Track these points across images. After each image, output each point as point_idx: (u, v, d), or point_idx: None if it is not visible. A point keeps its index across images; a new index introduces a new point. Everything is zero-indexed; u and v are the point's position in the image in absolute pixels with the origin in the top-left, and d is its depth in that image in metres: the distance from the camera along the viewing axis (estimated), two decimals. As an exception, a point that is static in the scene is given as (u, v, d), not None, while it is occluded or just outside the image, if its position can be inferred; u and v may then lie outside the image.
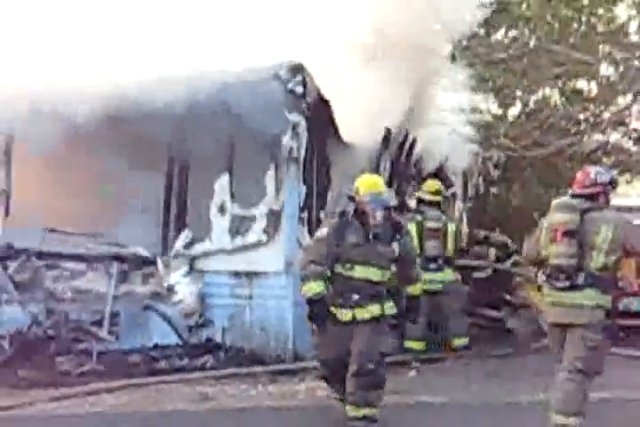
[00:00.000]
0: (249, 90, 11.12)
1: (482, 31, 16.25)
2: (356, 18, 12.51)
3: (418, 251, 12.00)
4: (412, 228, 12.31)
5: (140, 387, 10.47)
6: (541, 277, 8.49)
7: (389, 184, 13.03)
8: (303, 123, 11.63)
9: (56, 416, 9.29)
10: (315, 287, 7.53)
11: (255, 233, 11.83)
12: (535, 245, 8.46)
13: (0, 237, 12.36)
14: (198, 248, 12.06)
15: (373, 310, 7.62)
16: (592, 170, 8.49)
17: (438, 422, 7.93)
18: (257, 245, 11.81)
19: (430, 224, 12.74)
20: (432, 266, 12.54)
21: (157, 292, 11.89)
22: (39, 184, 12.45)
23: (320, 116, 11.85)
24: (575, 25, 16.30)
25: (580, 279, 7.98)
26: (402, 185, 13.30)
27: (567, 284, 8.03)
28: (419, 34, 13.05)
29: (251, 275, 11.78)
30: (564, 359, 8.07)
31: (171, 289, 11.84)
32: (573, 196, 8.33)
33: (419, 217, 12.88)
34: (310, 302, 7.60)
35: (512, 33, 16.75)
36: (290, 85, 11.41)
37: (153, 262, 12.04)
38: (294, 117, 11.56)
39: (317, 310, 7.61)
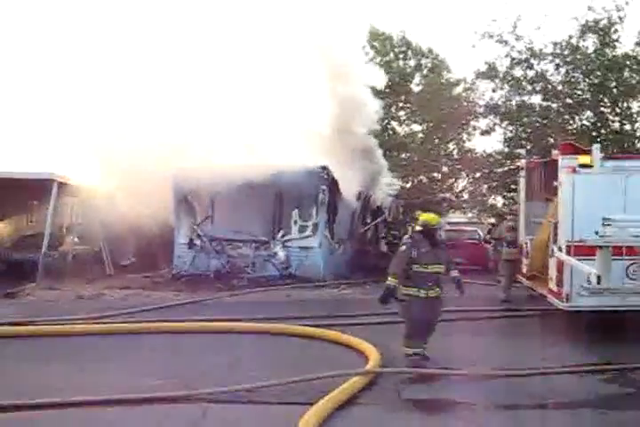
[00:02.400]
0: (305, 177, 10.47)
1: (395, 153, 15.85)
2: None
3: None
4: None
5: (262, 292, 9.86)
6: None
7: (361, 216, 12.40)
8: (327, 189, 11.02)
9: (229, 303, 9.07)
10: (392, 280, 5.43)
11: (308, 231, 11.06)
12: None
13: (210, 233, 11.46)
14: (286, 237, 11.14)
15: (437, 290, 5.49)
16: None
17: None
18: (308, 236, 11.01)
19: None
20: None
21: (270, 254, 11.15)
22: (223, 213, 11.42)
23: (333, 186, 11.20)
24: (433, 152, 15.98)
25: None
26: (366, 215, 12.71)
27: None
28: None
29: (306, 248, 10.94)
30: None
31: (275, 253, 11.08)
32: None
33: None
34: (388, 287, 5.46)
35: (406, 155, 16.48)
36: (321, 174, 10.87)
37: (268, 243, 11.22)
38: (323, 187, 10.96)
39: (388, 292, 5.46)
